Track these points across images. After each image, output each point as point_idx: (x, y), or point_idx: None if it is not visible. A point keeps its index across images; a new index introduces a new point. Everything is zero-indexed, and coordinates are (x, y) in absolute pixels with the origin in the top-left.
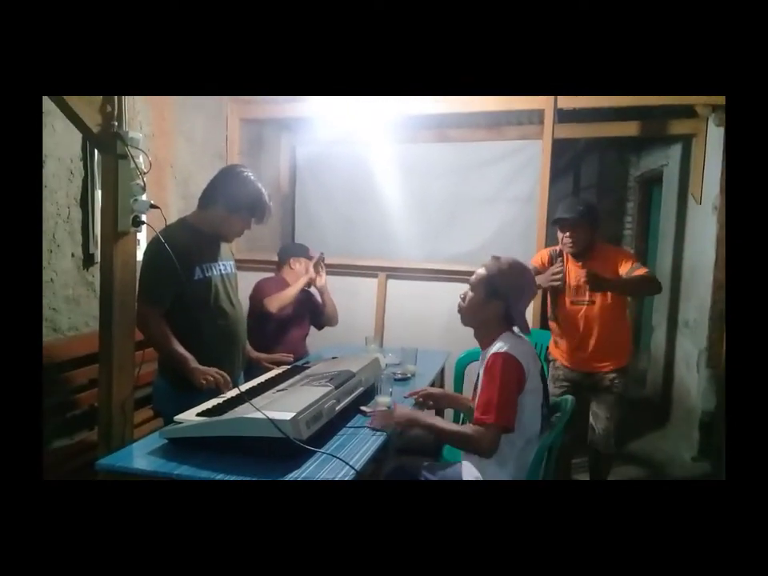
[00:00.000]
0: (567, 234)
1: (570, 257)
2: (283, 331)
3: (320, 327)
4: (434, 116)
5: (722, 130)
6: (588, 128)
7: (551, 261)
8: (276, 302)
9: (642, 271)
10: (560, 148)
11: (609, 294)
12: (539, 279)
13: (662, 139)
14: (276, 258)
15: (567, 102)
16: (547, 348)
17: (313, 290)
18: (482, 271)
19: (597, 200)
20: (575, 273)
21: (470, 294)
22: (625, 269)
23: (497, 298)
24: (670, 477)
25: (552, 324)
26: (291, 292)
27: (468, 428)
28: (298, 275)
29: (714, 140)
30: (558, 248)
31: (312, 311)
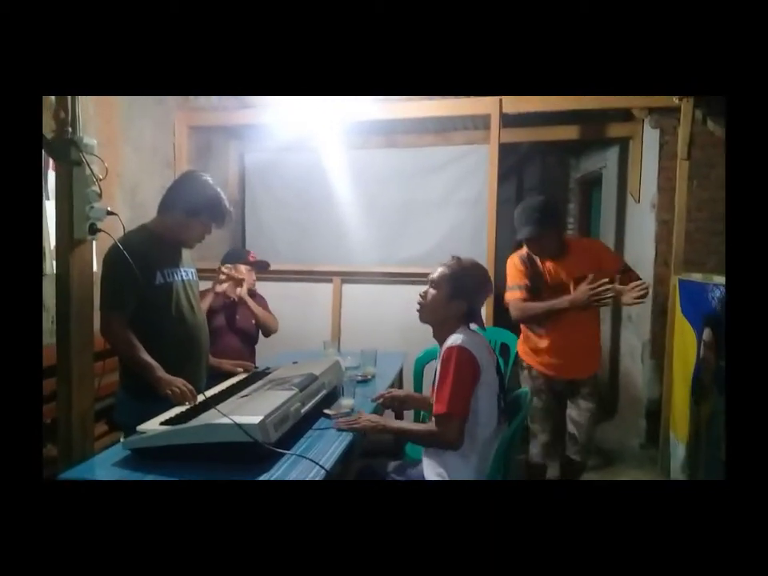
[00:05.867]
0: (535, 249)
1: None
2: (220, 343)
3: (265, 335)
4: (381, 122)
5: (657, 131)
6: (530, 132)
7: (525, 265)
8: None
9: (630, 278)
10: (503, 152)
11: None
12: (577, 295)
13: (600, 142)
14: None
15: (514, 105)
16: (503, 344)
17: (266, 296)
18: (445, 270)
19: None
20: (556, 271)
21: (432, 291)
22: (614, 268)
23: (460, 297)
24: (620, 464)
25: (524, 329)
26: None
27: (432, 425)
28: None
29: (649, 141)
30: (523, 251)
31: (255, 321)
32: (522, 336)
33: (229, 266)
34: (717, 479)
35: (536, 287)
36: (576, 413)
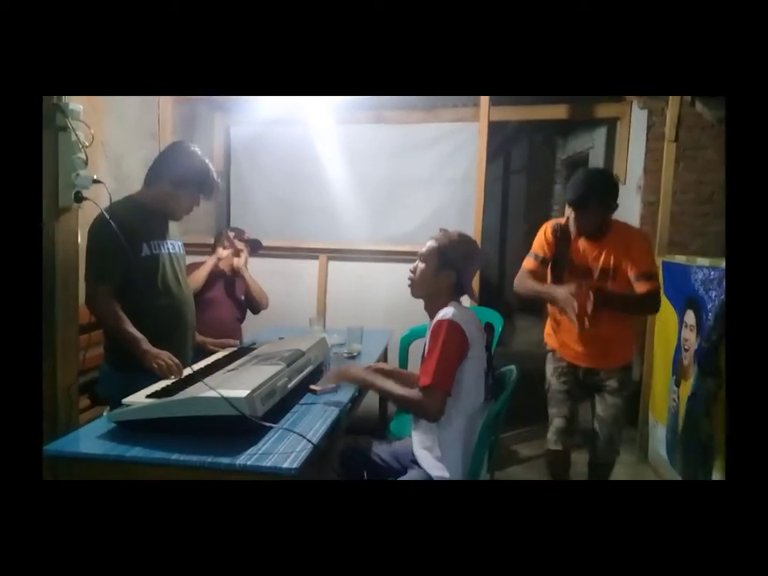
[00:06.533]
0: (576, 214)
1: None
2: (212, 315)
3: (254, 311)
4: (370, 97)
5: (645, 112)
6: (519, 111)
7: (555, 236)
8: None
9: (645, 287)
10: (491, 131)
11: (618, 276)
12: (557, 295)
13: (588, 123)
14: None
15: None
16: (487, 323)
17: (252, 272)
18: (433, 243)
19: (527, 182)
20: (587, 252)
21: (421, 265)
22: (632, 272)
23: (448, 268)
24: None
25: (551, 309)
26: (198, 276)
27: (416, 392)
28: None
29: (637, 122)
30: (562, 221)
31: (246, 294)
32: (548, 317)
33: (231, 234)
34: (694, 459)
35: (560, 263)
36: (601, 408)
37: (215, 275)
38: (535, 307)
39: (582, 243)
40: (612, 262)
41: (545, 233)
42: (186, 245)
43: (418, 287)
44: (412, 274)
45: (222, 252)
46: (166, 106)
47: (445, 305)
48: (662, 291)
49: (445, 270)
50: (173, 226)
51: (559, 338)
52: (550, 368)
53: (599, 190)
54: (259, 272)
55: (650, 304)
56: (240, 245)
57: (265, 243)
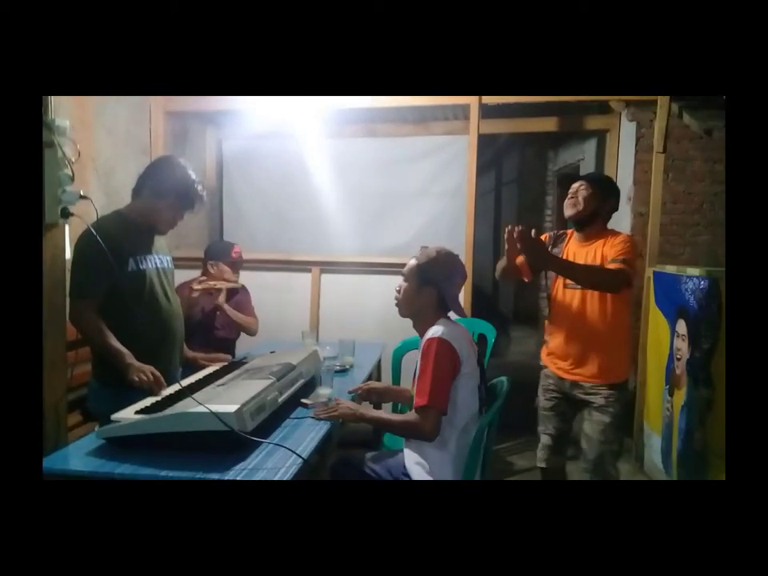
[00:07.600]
0: (570, 195)
1: (572, 236)
2: (206, 334)
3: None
4: (361, 110)
5: (633, 124)
6: (509, 123)
7: (549, 239)
8: None
9: (612, 266)
10: (482, 144)
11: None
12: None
13: (578, 135)
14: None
15: (494, 96)
16: (480, 334)
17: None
18: (413, 262)
19: (518, 194)
20: (577, 255)
21: (404, 284)
22: (607, 259)
23: (429, 285)
24: None
25: (546, 323)
26: None
27: (410, 415)
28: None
29: (626, 134)
30: (559, 232)
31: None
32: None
33: (212, 262)
34: (689, 468)
35: None
36: (587, 425)
37: (199, 309)
38: (530, 317)
39: (573, 246)
40: (597, 262)
41: (542, 237)
42: (178, 259)
43: (403, 306)
44: (398, 294)
45: (195, 293)
46: (157, 119)
47: (433, 323)
48: (633, 278)
49: (426, 287)
50: (161, 240)
51: (548, 350)
52: (540, 385)
53: (609, 180)
54: (252, 285)
55: (605, 276)
56: (222, 275)
57: (258, 256)
